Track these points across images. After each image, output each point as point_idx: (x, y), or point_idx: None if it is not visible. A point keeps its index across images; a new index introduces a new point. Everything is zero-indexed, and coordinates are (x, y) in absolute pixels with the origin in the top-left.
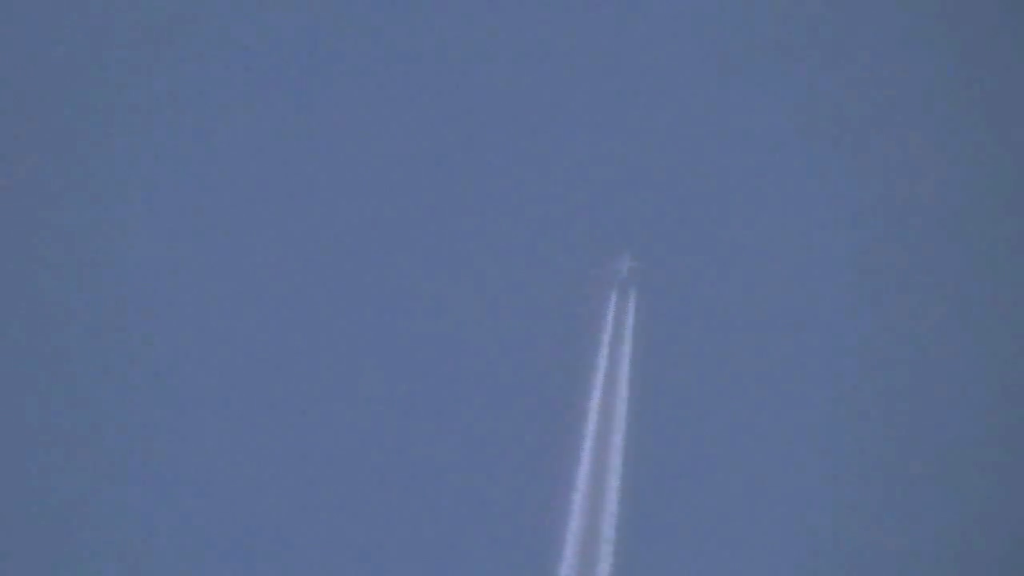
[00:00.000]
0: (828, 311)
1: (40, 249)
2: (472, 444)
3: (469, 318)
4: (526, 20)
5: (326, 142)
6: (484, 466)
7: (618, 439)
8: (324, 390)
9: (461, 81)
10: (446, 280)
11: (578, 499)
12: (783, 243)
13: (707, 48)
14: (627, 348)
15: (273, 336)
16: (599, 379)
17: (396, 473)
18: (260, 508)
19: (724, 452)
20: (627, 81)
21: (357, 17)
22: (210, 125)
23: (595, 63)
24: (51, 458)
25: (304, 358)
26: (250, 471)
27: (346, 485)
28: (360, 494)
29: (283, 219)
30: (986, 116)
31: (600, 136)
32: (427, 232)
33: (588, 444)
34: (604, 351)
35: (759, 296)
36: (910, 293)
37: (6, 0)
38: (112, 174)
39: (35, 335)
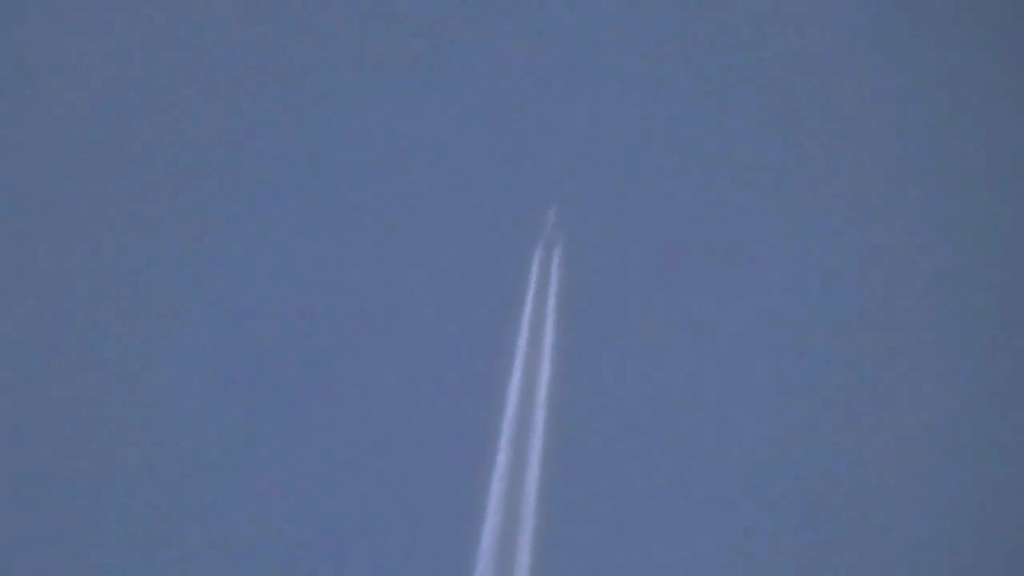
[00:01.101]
0: (763, 268)
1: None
2: (386, 412)
3: (382, 273)
4: None
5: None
6: (400, 431)
7: (541, 401)
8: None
9: (390, 25)
10: (365, 233)
11: (496, 479)
12: (717, 199)
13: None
14: (551, 307)
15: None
16: (522, 339)
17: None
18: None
19: (653, 420)
20: (557, 29)
21: None
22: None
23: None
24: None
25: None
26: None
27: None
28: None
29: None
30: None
31: (528, 84)
32: (344, 184)
33: (509, 412)
34: (527, 309)
35: (690, 253)
36: (847, 237)
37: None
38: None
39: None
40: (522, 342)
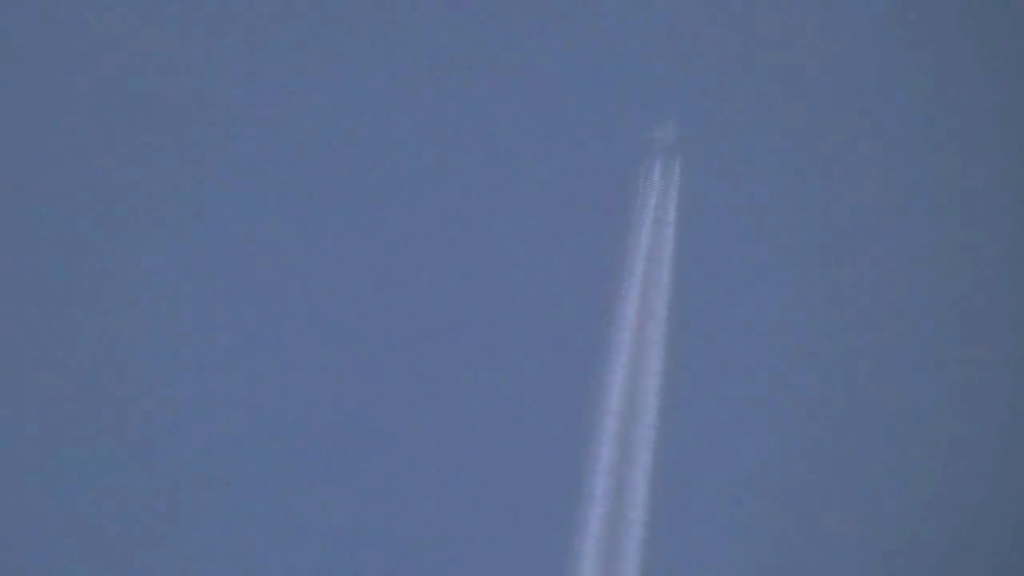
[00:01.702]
0: (896, 187)
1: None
2: (500, 334)
3: (502, 188)
4: None
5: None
6: (511, 360)
7: (661, 310)
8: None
9: None
10: (480, 145)
11: (613, 404)
12: (841, 110)
13: None
14: (671, 222)
15: None
16: (641, 253)
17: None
18: None
19: (776, 336)
20: None
21: None
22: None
23: None
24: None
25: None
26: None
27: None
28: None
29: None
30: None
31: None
32: (463, 94)
33: (626, 332)
34: (647, 223)
35: (812, 165)
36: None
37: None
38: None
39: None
40: (641, 255)
